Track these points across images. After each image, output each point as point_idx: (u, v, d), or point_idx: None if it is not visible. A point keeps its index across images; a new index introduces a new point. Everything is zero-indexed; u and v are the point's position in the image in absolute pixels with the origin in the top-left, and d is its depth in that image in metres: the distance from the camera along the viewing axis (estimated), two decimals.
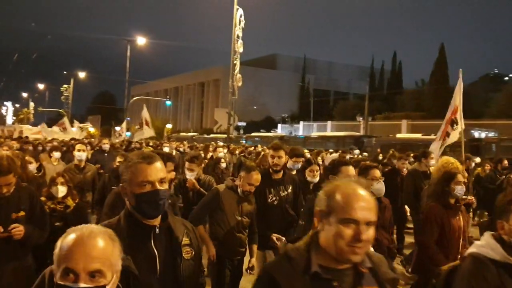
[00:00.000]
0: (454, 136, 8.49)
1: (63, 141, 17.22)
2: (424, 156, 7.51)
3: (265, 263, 3.86)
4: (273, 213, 4.73)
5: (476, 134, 29.42)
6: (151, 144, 18.17)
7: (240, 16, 23.19)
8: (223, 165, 9.71)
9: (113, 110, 76.55)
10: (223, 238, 4.37)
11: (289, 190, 4.86)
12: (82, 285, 1.37)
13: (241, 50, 23.41)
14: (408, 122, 42.27)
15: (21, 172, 3.62)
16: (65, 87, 52.27)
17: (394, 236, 5.82)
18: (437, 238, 4.21)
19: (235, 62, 23.41)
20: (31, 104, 65.22)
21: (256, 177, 4.31)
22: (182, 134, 54.13)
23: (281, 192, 4.78)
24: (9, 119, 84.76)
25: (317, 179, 5.52)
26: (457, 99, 8.34)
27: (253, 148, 19.74)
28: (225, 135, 27.00)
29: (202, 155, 10.57)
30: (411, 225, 7.96)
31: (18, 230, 3.33)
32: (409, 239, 7.76)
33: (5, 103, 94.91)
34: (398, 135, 30.86)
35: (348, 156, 11.37)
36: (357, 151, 16.28)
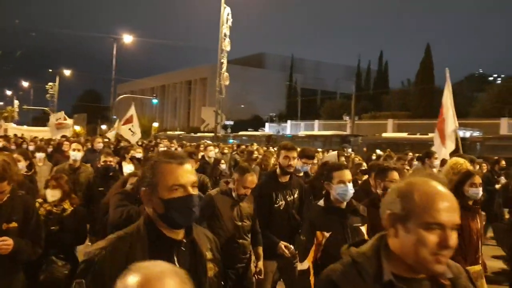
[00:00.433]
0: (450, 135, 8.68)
1: (50, 140, 16.40)
2: (428, 157, 7.18)
3: (326, 269, 3.62)
4: (279, 219, 4.37)
5: (461, 133, 29.73)
6: (140, 143, 17.71)
7: (228, 15, 23.11)
8: (223, 166, 9.06)
9: (99, 108, 75.86)
10: (223, 246, 3.99)
11: (296, 195, 4.50)
12: None
13: (228, 48, 23.33)
14: (394, 121, 42.63)
15: (16, 179, 3.32)
16: (50, 85, 51.58)
17: None
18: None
19: (222, 60, 23.32)
20: (16, 102, 64.30)
21: (251, 179, 4.02)
22: (169, 133, 53.90)
23: (287, 196, 4.42)
24: None
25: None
26: (445, 97, 8.51)
27: (245, 146, 19.52)
28: (212, 134, 26.92)
29: None
30: None
31: (6, 243, 3.00)
32: None
33: None
34: (384, 134, 31.14)
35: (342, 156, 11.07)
36: (350, 150, 15.70)
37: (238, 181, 4.03)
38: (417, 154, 10.22)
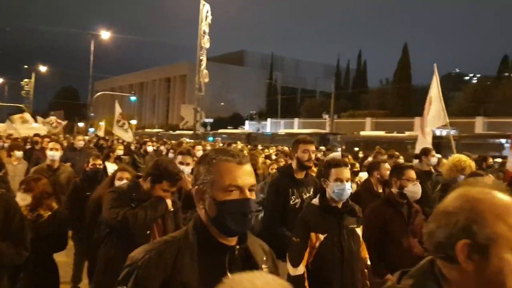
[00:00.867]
0: (431, 123, 8.77)
1: (27, 138, 15.28)
2: (425, 154, 6.85)
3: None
4: (293, 217, 3.92)
5: (437, 131, 30.23)
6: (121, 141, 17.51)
7: (207, 12, 23.00)
8: None
9: (76, 105, 74.75)
10: None
11: (311, 193, 4.24)
12: None
13: (207, 46, 23.22)
14: (372, 120, 43.05)
15: None
16: (26, 82, 50.58)
17: None
18: None
19: (201, 58, 23.20)
20: None
21: None
22: (147, 130, 53.48)
23: (303, 194, 4.17)
24: None
25: None
26: (432, 92, 8.64)
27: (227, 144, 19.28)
28: (191, 132, 26.79)
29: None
30: None
31: None
32: None
33: None
34: (362, 133, 31.42)
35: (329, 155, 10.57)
36: (339, 149, 15.40)
37: None
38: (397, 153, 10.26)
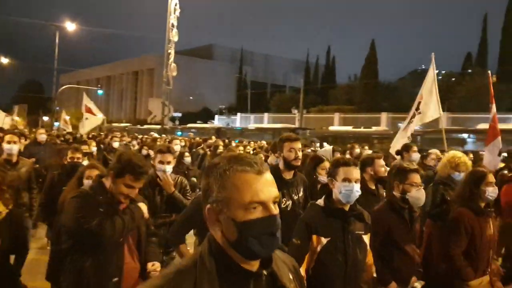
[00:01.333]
0: (417, 121, 8.83)
1: None
2: (406, 150, 6.77)
3: None
4: (286, 220, 3.77)
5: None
6: (90, 136, 17.09)
7: (176, 5, 22.76)
8: (188, 160, 8.42)
9: (40, 99, 72.76)
10: None
11: (301, 193, 4.05)
12: None
13: (176, 39, 22.99)
14: (340, 115, 43.63)
15: None
16: None
17: None
18: (465, 249, 3.69)
19: (169, 51, 22.96)
20: None
21: None
22: (115, 124, 52.52)
23: (294, 195, 3.96)
24: None
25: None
26: (427, 85, 8.69)
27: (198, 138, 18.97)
28: (159, 126, 26.49)
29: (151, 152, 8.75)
30: None
31: None
32: None
33: None
34: (331, 128, 31.89)
35: (310, 150, 10.21)
36: (317, 144, 15.00)
37: None
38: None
